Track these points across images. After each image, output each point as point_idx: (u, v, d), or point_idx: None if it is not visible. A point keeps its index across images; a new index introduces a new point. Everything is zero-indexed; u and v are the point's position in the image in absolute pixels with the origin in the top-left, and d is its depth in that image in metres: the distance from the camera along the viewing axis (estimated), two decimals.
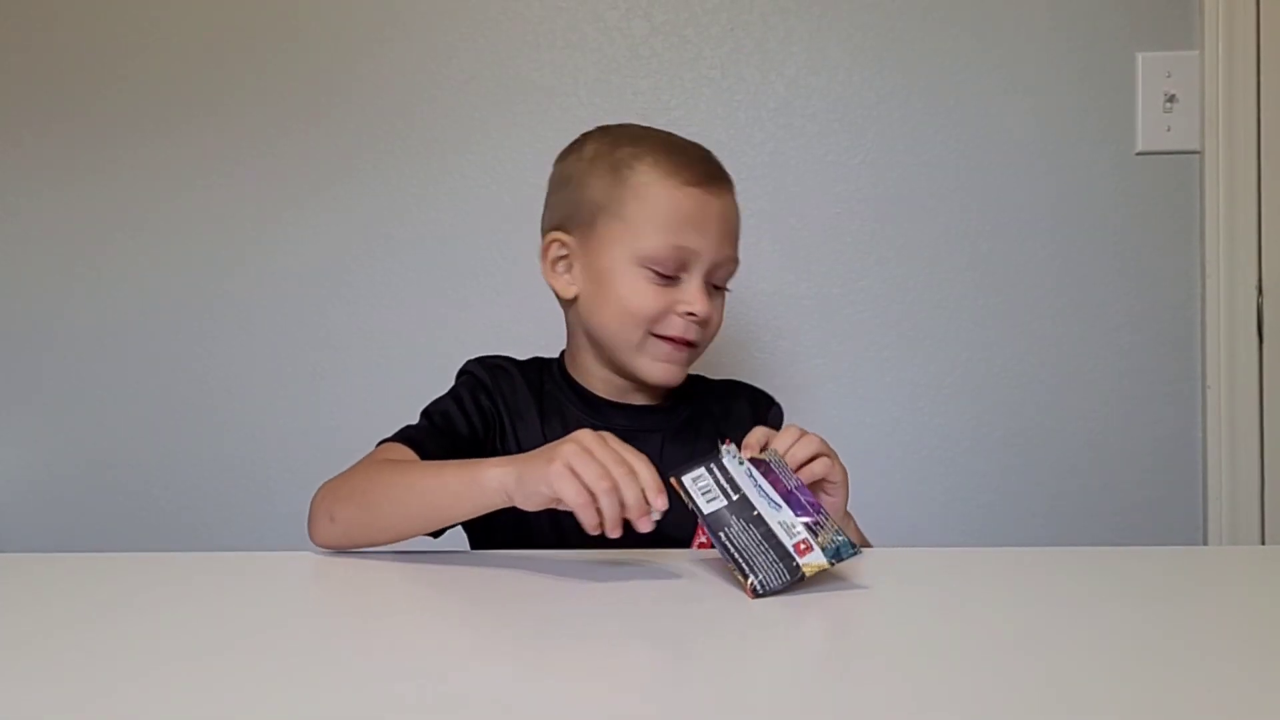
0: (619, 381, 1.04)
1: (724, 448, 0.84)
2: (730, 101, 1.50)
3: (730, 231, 1.00)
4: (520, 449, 1.01)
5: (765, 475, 0.82)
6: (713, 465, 0.83)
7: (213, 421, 1.55)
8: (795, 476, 0.82)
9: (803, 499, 0.80)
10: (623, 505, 0.74)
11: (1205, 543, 1.46)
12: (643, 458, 0.76)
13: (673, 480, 0.81)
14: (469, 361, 1.08)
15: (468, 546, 1.01)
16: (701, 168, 0.98)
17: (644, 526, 0.75)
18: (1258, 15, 1.43)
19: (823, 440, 0.88)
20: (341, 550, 0.89)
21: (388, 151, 1.52)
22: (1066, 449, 1.49)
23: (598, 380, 1.05)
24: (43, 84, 1.56)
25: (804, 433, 0.88)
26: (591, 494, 0.73)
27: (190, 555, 0.89)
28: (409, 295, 1.53)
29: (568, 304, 1.05)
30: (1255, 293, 1.44)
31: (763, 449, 0.86)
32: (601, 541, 0.77)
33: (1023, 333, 1.49)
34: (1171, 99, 1.45)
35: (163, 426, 1.56)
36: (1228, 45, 1.43)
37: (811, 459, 0.87)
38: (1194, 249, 1.47)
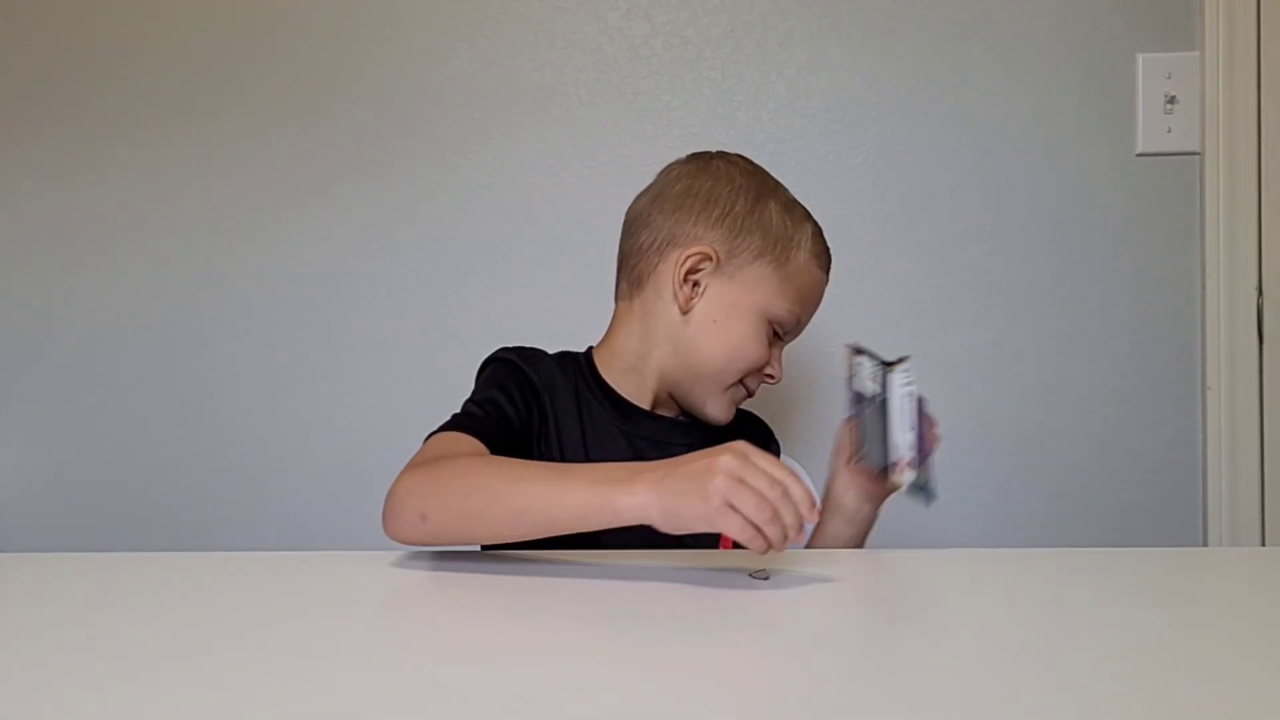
0: (648, 390, 1.05)
1: (904, 363, 0.95)
2: (730, 102, 1.50)
3: None
4: (562, 448, 1.00)
5: (916, 406, 0.94)
6: (880, 366, 0.95)
7: (213, 421, 1.55)
8: (934, 431, 0.95)
9: (927, 441, 0.94)
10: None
11: (1205, 544, 1.46)
12: (787, 471, 0.74)
13: (846, 346, 0.97)
14: (504, 350, 1.04)
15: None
16: (828, 253, 1.08)
17: (798, 541, 0.74)
18: (1258, 16, 1.43)
19: None
20: (417, 546, 0.85)
21: (388, 151, 1.52)
22: (1066, 450, 1.49)
23: (628, 385, 1.05)
24: (41, 82, 1.56)
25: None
26: (755, 524, 0.72)
27: (190, 555, 0.89)
28: (409, 295, 1.53)
29: (658, 316, 1.03)
30: (1255, 293, 1.44)
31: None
32: (624, 542, 0.79)
33: (1023, 333, 1.49)
34: (1172, 100, 1.46)
35: (163, 426, 1.56)
36: (1228, 46, 1.43)
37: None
38: (1194, 250, 1.47)
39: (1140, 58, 1.46)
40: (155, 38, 1.54)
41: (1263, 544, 1.44)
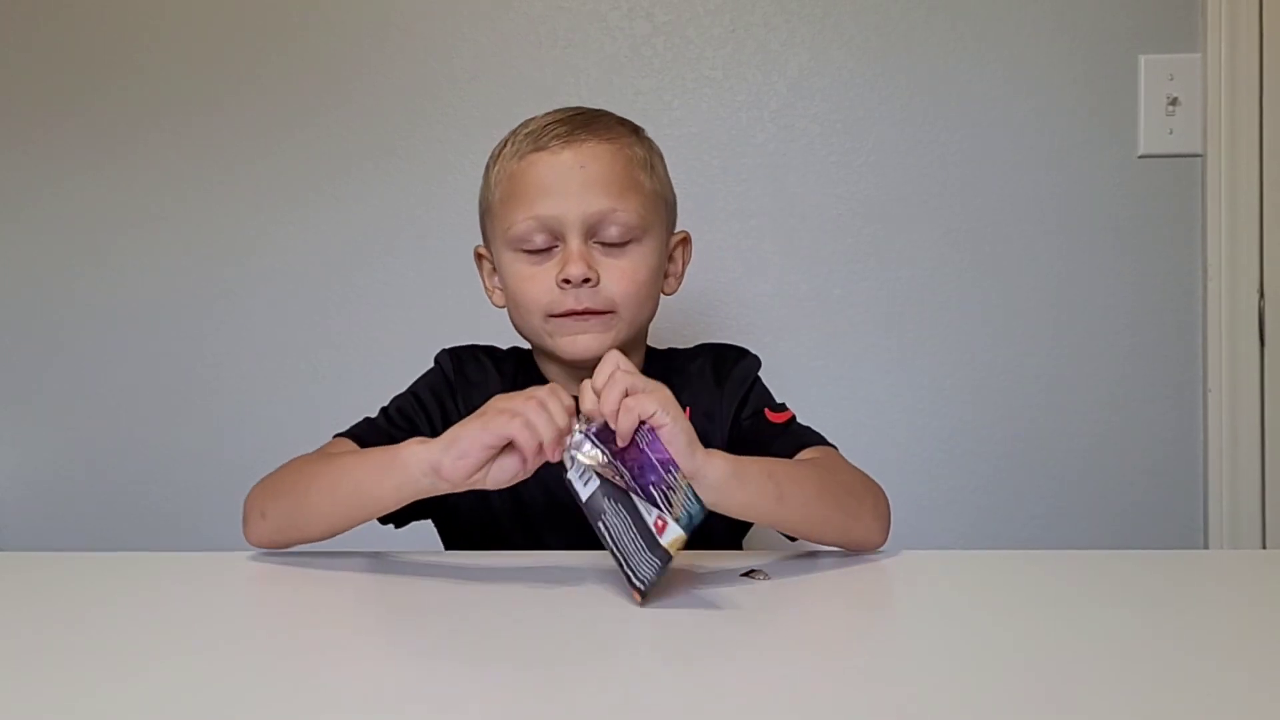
0: (577, 372, 0.97)
1: (574, 423, 0.75)
2: (732, 102, 1.49)
3: (595, 180, 0.91)
4: None
5: (610, 441, 0.73)
6: (573, 450, 0.74)
7: (213, 421, 1.55)
8: (644, 428, 0.72)
9: (651, 457, 0.71)
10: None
11: (1206, 546, 1.46)
12: (553, 392, 0.75)
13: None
14: (441, 351, 1.05)
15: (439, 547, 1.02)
16: (552, 130, 0.92)
17: (554, 456, 0.73)
18: (1260, 18, 1.42)
19: (631, 375, 0.74)
20: (274, 550, 0.87)
21: (390, 150, 1.52)
22: (1067, 451, 1.49)
23: (556, 372, 1.00)
24: (44, 82, 1.56)
25: (613, 373, 0.74)
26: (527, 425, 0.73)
27: (190, 554, 0.89)
28: (410, 294, 1.53)
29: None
30: (1257, 295, 1.44)
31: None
32: (572, 543, 0.79)
33: (1024, 335, 1.49)
34: (1174, 102, 1.45)
35: (163, 426, 1.56)
36: (1230, 48, 1.43)
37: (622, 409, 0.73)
38: (1195, 252, 1.47)
39: (1142, 59, 1.46)
40: (156, 37, 1.54)
41: (1263, 546, 1.44)
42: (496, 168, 0.97)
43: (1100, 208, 1.47)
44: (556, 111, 0.97)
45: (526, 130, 0.95)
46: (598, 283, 0.91)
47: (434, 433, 0.96)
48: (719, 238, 1.49)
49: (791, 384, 1.51)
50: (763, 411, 0.97)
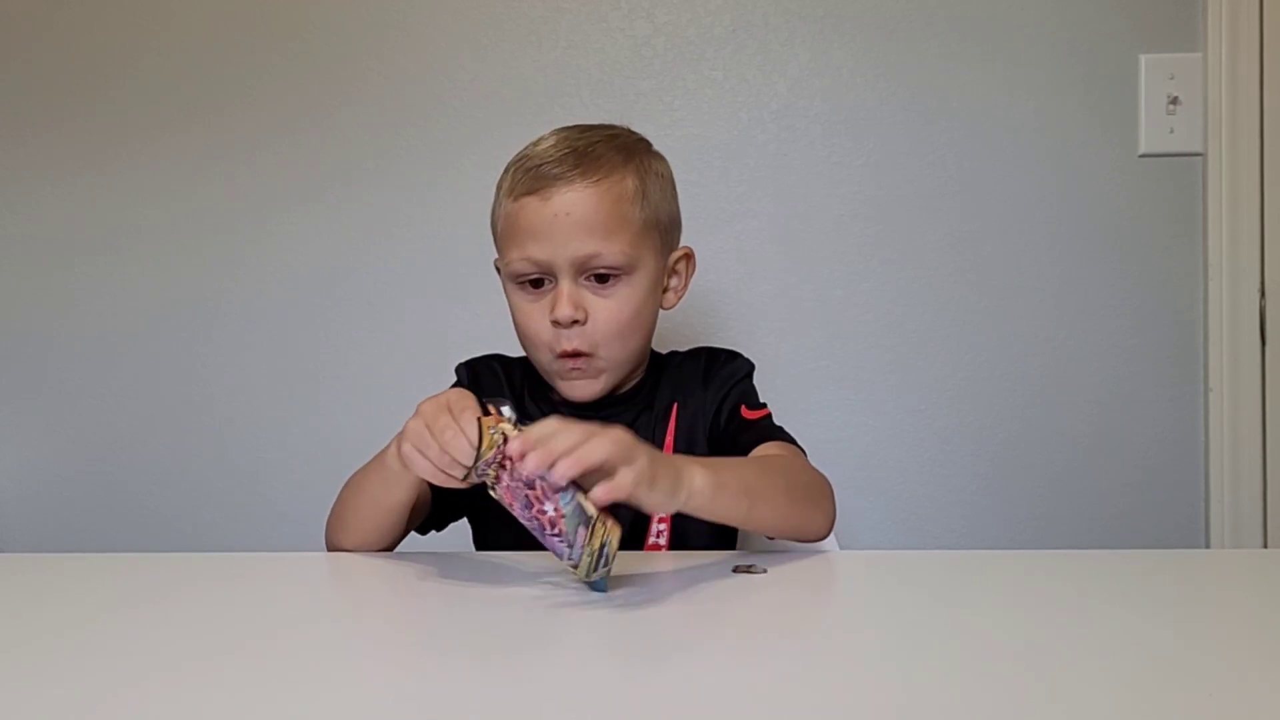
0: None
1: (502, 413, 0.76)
2: (733, 103, 1.49)
3: (579, 225, 0.94)
4: None
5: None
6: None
7: (213, 422, 1.55)
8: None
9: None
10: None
11: (1207, 545, 1.46)
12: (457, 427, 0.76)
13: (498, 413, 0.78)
14: (459, 364, 1.08)
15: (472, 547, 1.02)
16: (535, 172, 0.96)
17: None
18: (1261, 17, 1.42)
19: (569, 437, 0.72)
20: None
21: (390, 152, 1.52)
22: (1068, 451, 1.49)
23: None
24: (45, 84, 1.56)
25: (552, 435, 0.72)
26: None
27: (190, 556, 0.89)
28: (410, 295, 1.53)
29: None
30: (1258, 295, 1.44)
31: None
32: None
33: (1025, 335, 1.49)
34: (1175, 101, 1.45)
35: (163, 426, 1.56)
36: (1231, 47, 1.43)
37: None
38: (1197, 251, 1.47)
39: (1143, 58, 1.46)
40: (159, 38, 1.54)
41: (1265, 545, 1.43)
42: (498, 200, 1.00)
43: (1101, 207, 1.47)
44: (559, 140, 0.99)
45: (524, 166, 0.97)
46: (586, 320, 0.95)
47: None
48: (720, 239, 1.49)
49: (793, 384, 1.51)
50: (739, 408, 1.01)
